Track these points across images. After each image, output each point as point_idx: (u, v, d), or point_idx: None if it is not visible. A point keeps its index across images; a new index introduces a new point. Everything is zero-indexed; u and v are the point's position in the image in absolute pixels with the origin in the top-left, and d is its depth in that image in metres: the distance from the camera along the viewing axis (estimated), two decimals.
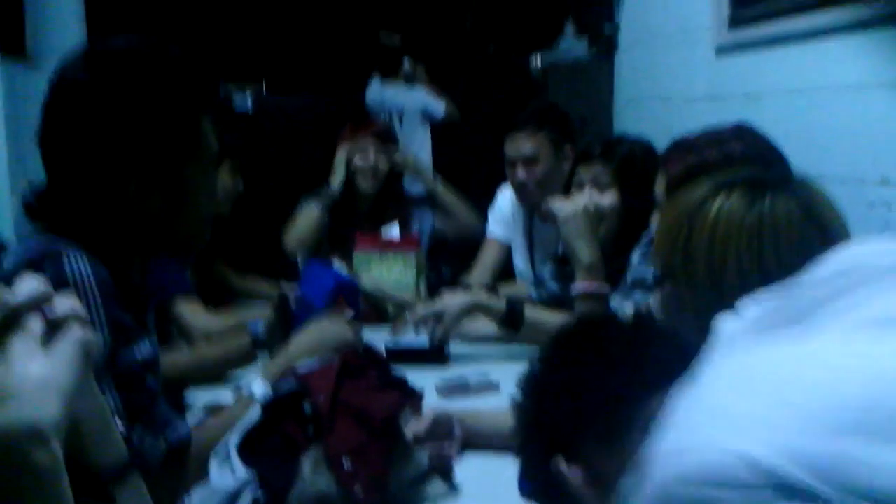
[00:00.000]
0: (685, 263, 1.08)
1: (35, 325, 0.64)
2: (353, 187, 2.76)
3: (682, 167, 1.43)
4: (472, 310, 1.98)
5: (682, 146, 1.48)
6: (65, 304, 0.67)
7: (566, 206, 1.66)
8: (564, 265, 2.29)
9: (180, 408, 1.56)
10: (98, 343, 0.68)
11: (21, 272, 1.07)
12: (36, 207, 1.21)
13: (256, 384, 1.33)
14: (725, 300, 1.03)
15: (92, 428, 0.71)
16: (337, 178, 2.73)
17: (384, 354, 1.83)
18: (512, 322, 1.94)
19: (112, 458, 0.74)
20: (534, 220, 2.66)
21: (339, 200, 2.72)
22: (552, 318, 1.98)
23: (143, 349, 1.19)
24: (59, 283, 1.09)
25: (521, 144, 2.45)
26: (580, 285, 1.57)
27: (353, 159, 2.74)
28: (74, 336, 0.66)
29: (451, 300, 1.98)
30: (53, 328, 0.65)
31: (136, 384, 1.13)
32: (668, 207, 1.12)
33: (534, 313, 1.97)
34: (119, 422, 0.77)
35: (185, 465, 1.15)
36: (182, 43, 1.26)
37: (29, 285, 0.66)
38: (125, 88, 1.15)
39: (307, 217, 2.70)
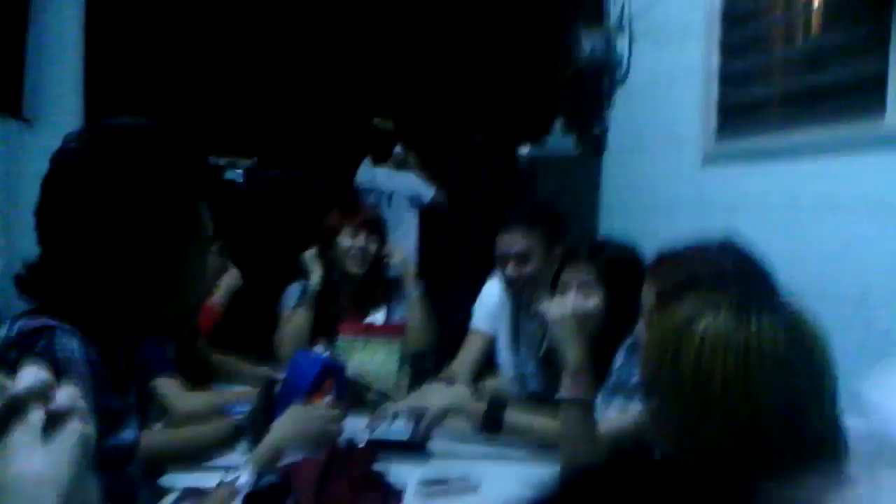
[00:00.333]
0: (673, 379, 1.10)
1: (36, 416, 0.64)
2: (336, 273, 2.76)
3: (671, 280, 1.46)
4: (451, 413, 1.98)
5: (670, 258, 1.51)
6: (66, 395, 0.67)
7: (556, 309, 1.68)
8: (548, 364, 2.30)
9: (157, 492, 1.53)
10: (94, 438, 0.68)
11: (12, 348, 1.07)
12: (27, 280, 1.21)
13: (243, 474, 1.31)
14: (712, 416, 1.06)
15: None
16: (315, 276, 2.73)
17: (365, 444, 1.82)
18: (492, 426, 1.94)
19: None
20: (520, 315, 2.67)
21: (322, 290, 2.73)
22: (532, 422, 1.98)
23: (127, 435, 1.18)
24: (50, 361, 1.09)
25: (515, 241, 2.48)
26: (566, 391, 1.59)
27: (340, 243, 2.75)
28: (75, 430, 0.65)
29: (434, 399, 1.98)
30: (53, 419, 0.65)
31: (118, 470, 1.11)
32: (656, 323, 1.15)
33: (514, 417, 1.97)
34: None
35: None
36: (178, 115, 1.28)
37: (32, 375, 0.66)
38: (128, 169, 1.17)
39: (294, 324, 2.68)
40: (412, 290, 2.84)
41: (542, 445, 1.93)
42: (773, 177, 2.49)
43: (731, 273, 1.44)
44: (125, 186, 1.15)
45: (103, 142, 1.19)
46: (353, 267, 2.74)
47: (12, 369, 0.66)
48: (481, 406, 1.97)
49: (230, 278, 2.81)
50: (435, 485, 1.68)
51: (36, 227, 1.19)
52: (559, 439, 1.61)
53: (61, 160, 1.18)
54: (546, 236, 2.49)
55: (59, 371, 1.05)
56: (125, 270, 1.17)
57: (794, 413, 1.05)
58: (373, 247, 2.77)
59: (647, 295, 1.53)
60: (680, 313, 1.12)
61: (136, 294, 1.19)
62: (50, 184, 1.18)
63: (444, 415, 1.96)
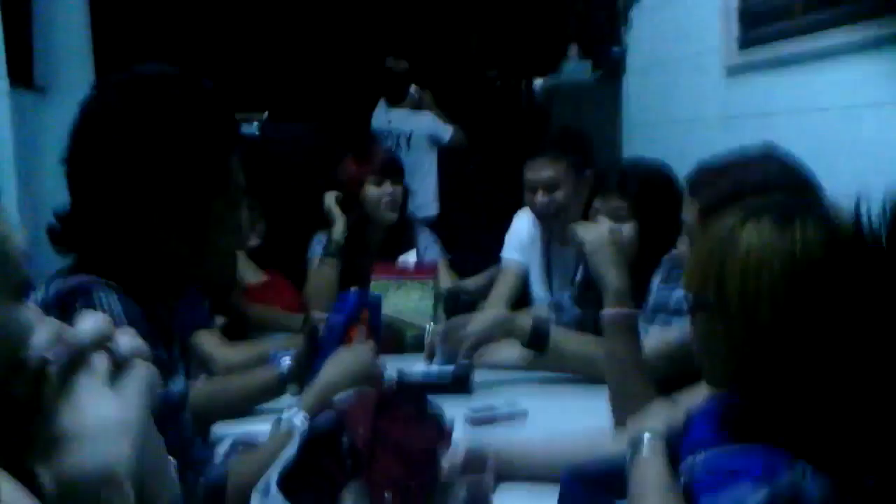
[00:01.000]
0: (718, 294, 1.07)
1: (101, 364, 0.64)
2: (362, 222, 2.76)
3: (716, 194, 1.43)
4: (497, 328, 1.96)
5: (711, 171, 1.48)
6: (128, 341, 0.67)
7: (593, 232, 1.65)
8: (586, 290, 2.29)
9: (208, 443, 1.55)
10: (158, 377, 0.68)
11: (50, 310, 1.07)
12: (60, 232, 1.20)
13: (297, 417, 1.32)
14: (758, 331, 1.04)
15: (153, 468, 0.71)
16: (339, 225, 2.69)
17: (407, 385, 1.83)
18: (538, 343, 1.93)
19: (167, 498, 0.73)
20: (552, 245, 2.66)
21: (349, 238, 2.71)
22: (578, 340, 1.97)
23: (178, 385, 1.18)
24: None
25: (542, 170, 2.47)
26: (610, 311, 1.57)
27: (368, 194, 2.74)
28: (140, 374, 0.65)
29: (476, 320, 1.96)
30: (118, 366, 0.65)
31: (173, 421, 1.12)
32: (699, 238, 1.12)
33: (560, 334, 1.96)
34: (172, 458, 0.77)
35: (222, 503, 1.14)
36: (188, 72, 1.26)
37: (92, 323, 0.66)
38: (160, 115, 1.15)
39: (322, 275, 2.65)
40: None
41: (584, 369, 1.93)
42: (800, 82, 2.44)
43: (776, 181, 1.41)
44: (157, 133, 1.14)
45: (135, 89, 1.17)
46: (386, 216, 2.74)
47: None
48: (526, 323, 1.96)
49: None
50: (482, 413, 1.69)
51: (67, 176, 1.18)
52: (604, 359, 1.60)
53: (93, 108, 1.16)
54: (573, 163, 2.47)
55: None
56: (158, 221, 1.16)
57: (846, 326, 1.02)
58: (399, 191, 2.77)
59: (689, 211, 1.50)
60: (721, 226, 1.09)
61: (171, 246, 1.18)
62: (81, 131, 1.16)
63: (489, 332, 1.94)
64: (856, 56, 2.13)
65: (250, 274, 2.81)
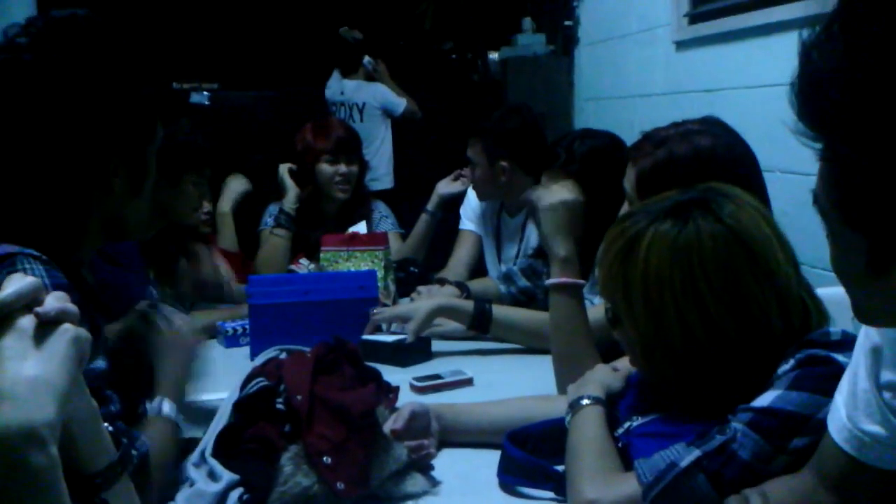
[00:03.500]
0: (626, 304, 1.14)
1: (27, 323, 0.64)
2: (316, 194, 2.75)
3: (650, 161, 1.45)
4: (439, 313, 1.99)
5: (650, 139, 1.49)
6: (55, 299, 0.66)
7: (547, 197, 1.66)
8: (536, 260, 2.31)
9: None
10: (89, 341, 0.68)
11: None
12: None
13: (164, 405, 1.22)
14: (665, 330, 1.09)
15: (82, 428, 0.70)
16: (290, 195, 2.71)
17: (368, 350, 1.83)
18: (481, 324, 1.96)
19: (101, 460, 0.73)
20: (502, 216, 2.69)
21: (301, 209, 2.72)
22: (520, 316, 2.00)
23: (100, 362, 1.14)
24: None
25: (468, 147, 2.59)
26: (555, 279, 1.59)
27: (322, 171, 2.73)
28: (67, 335, 0.65)
29: (418, 303, 1.98)
30: (45, 326, 0.64)
31: (99, 393, 1.09)
32: (606, 252, 1.18)
33: (502, 312, 1.98)
34: (106, 423, 0.76)
35: (149, 476, 1.12)
36: (136, 41, 1.20)
37: (18, 283, 0.65)
38: (88, 62, 1.09)
39: (273, 244, 2.68)
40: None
41: (527, 342, 1.96)
42: (747, 57, 2.47)
43: (713, 150, 1.43)
44: (85, 81, 1.08)
45: (57, 35, 1.09)
46: (338, 193, 2.75)
47: None
48: (468, 307, 1.98)
49: (237, 185, 2.86)
50: (429, 380, 1.70)
51: None
52: (550, 326, 1.62)
53: (11, 56, 1.07)
54: (485, 148, 2.54)
55: None
56: (101, 168, 1.11)
57: (745, 312, 1.07)
58: (354, 169, 2.77)
59: (630, 177, 1.51)
60: (624, 234, 1.15)
61: (106, 193, 1.13)
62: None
63: (431, 317, 1.96)
64: (801, 30, 2.16)
65: (228, 241, 2.79)
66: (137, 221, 1.22)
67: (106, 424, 0.76)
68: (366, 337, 1.95)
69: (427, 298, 2.17)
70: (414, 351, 1.92)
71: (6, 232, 1.07)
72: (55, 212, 1.11)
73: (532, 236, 2.53)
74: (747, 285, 1.08)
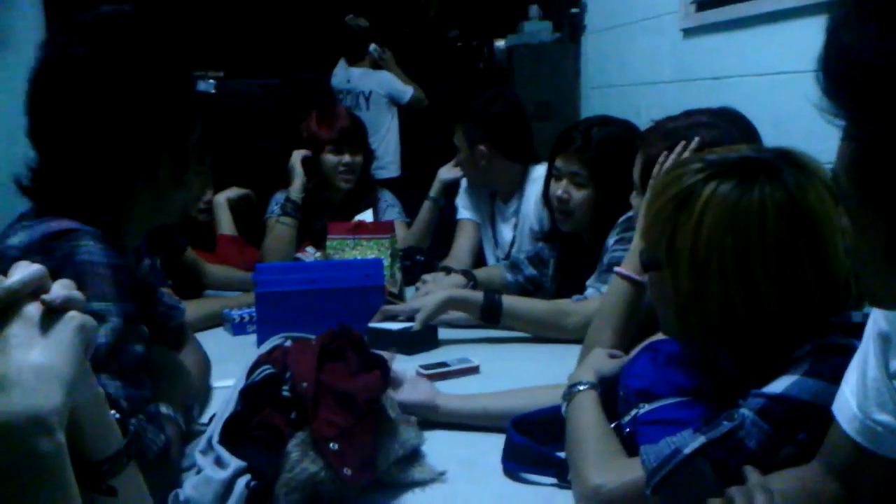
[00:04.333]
0: (669, 255, 1.08)
1: (33, 310, 0.64)
2: (322, 182, 2.75)
3: (655, 152, 1.44)
4: (449, 305, 1.98)
5: (658, 129, 1.48)
6: (62, 289, 0.66)
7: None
8: (543, 247, 2.31)
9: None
10: (96, 328, 0.68)
11: (35, 253, 1.06)
12: (31, 185, 1.19)
13: (163, 407, 1.21)
14: (706, 294, 1.05)
15: (89, 415, 0.70)
16: (297, 183, 2.71)
17: (375, 338, 1.83)
18: (491, 315, 1.95)
19: (108, 447, 0.73)
20: (496, 203, 2.70)
21: (307, 198, 2.71)
22: (530, 306, 1.99)
23: (138, 347, 1.16)
24: (69, 264, 1.07)
25: (454, 134, 2.61)
26: (623, 270, 1.58)
27: (326, 160, 2.73)
28: (73, 322, 0.65)
29: (426, 297, 1.98)
30: (52, 314, 0.64)
31: (138, 377, 1.10)
32: (658, 195, 1.11)
33: (512, 303, 1.98)
34: (114, 410, 0.76)
35: (170, 462, 1.13)
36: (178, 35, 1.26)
37: (25, 271, 0.65)
38: (136, 56, 1.15)
39: (279, 232, 2.67)
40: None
41: (534, 331, 1.96)
42: (755, 44, 2.46)
43: (714, 146, 1.42)
44: (136, 74, 1.13)
45: (107, 30, 1.15)
46: (342, 183, 2.76)
47: None
48: (477, 298, 1.98)
49: (233, 192, 2.86)
50: (435, 368, 1.70)
51: (29, 124, 1.16)
52: (600, 308, 1.61)
53: (63, 52, 1.14)
54: (465, 133, 2.55)
55: (78, 274, 1.05)
56: (145, 155, 1.17)
57: (792, 295, 1.03)
58: (358, 160, 2.77)
59: (637, 165, 1.51)
60: (682, 184, 1.07)
61: (153, 180, 1.20)
62: (49, 76, 1.15)
63: (440, 310, 1.96)
64: (809, 18, 2.15)
65: (226, 226, 2.80)
66: (174, 210, 1.28)
67: (129, 409, 0.76)
68: (372, 325, 1.95)
69: (433, 287, 2.17)
70: (420, 339, 1.92)
71: (64, 213, 1.14)
72: (106, 198, 1.17)
73: (527, 221, 2.53)
74: (803, 271, 1.02)
